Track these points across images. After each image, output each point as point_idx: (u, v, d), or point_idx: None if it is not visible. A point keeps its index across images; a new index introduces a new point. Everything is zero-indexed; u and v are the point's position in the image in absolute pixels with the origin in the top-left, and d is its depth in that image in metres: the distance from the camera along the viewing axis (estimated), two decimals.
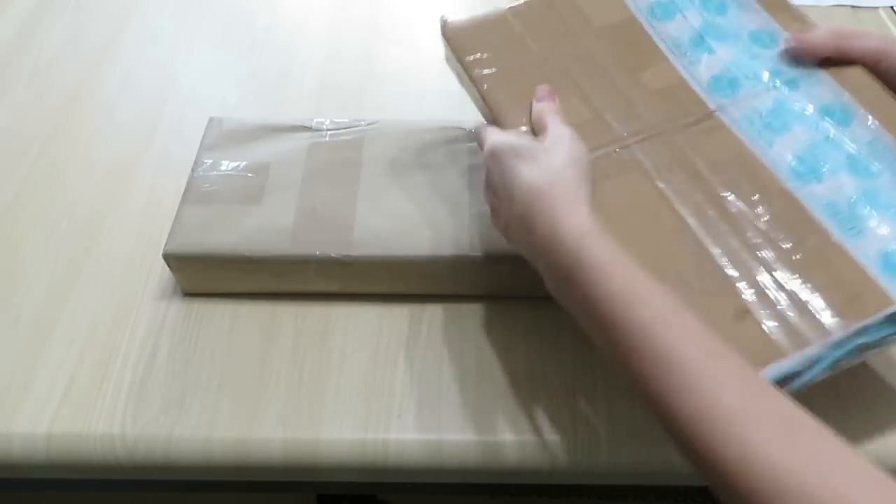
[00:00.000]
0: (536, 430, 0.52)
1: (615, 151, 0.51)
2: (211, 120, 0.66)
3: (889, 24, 0.88)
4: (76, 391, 0.54)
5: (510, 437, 0.52)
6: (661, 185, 0.49)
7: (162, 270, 0.59)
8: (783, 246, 0.46)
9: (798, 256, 0.45)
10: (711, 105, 0.52)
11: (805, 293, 0.44)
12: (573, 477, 0.53)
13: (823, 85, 0.52)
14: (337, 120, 0.65)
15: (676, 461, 0.52)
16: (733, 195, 0.48)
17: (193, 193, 0.60)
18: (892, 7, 0.91)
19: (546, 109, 0.51)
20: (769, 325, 0.43)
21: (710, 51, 0.55)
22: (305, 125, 0.65)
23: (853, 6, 0.91)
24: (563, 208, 0.44)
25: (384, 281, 0.58)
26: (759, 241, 0.46)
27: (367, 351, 0.56)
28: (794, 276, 0.44)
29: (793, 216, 0.47)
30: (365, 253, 0.56)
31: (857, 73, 0.52)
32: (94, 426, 0.52)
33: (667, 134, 0.51)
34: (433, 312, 0.58)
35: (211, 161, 0.62)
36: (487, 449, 0.52)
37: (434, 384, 0.55)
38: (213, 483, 0.55)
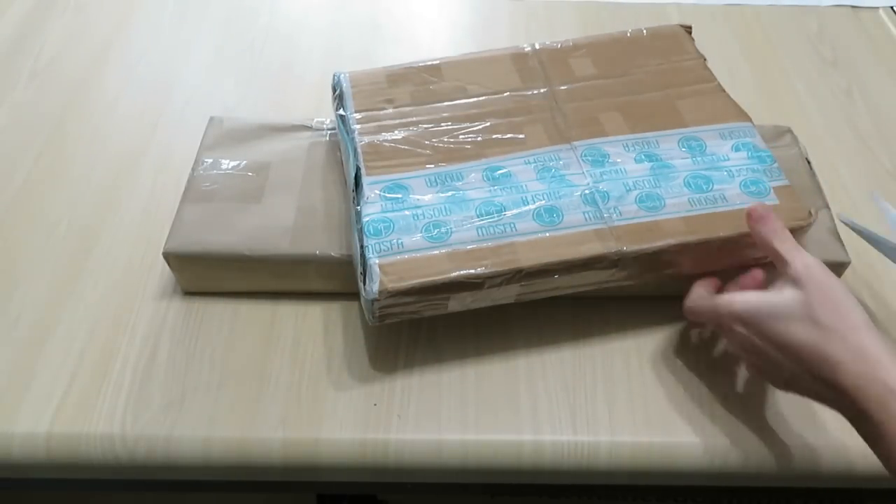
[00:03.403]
0: (536, 430, 0.52)
1: None
2: (211, 119, 0.66)
3: (889, 24, 0.89)
4: (76, 391, 0.54)
5: (510, 437, 0.52)
6: None
7: (162, 270, 0.59)
8: None
9: None
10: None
11: None
12: (573, 477, 0.53)
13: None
14: None
15: (676, 461, 0.52)
16: None
17: (194, 192, 0.60)
18: (892, 7, 0.91)
19: (781, 236, 0.50)
20: None
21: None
22: (305, 125, 0.65)
23: (853, 6, 0.91)
24: (860, 368, 0.43)
25: None
26: None
27: (367, 351, 0.56)
28: None
29: None
30: None
31: None
32: (94, 426, 0.52)
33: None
34: None
35: (211, 160, 0.62)
36: (487, 449, 0.52)
37: (434, 384, 0.55)
38: (213, 483, 0.55)
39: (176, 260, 0.57)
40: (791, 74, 0.81)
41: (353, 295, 0.59)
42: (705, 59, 0.66)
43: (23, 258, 0.62)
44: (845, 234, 0.58)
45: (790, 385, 0.48)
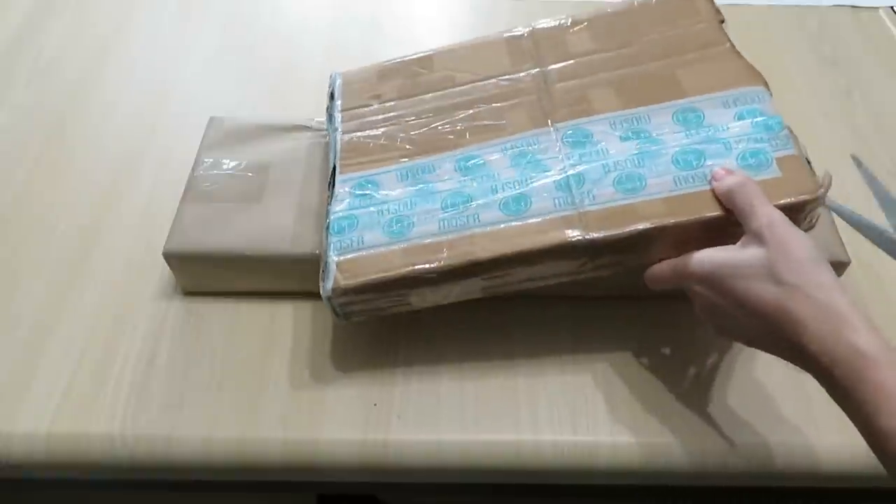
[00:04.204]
0: (536, 430, 0.52)
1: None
2: (211, 119, 0.66)
3: (889, 24, 0.89)
4: (76, 391, 0.54)
5: (510, 437, 0.52)
6: None
7: (162, 270, 0.59)
8: None
9: None
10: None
11: None
12: (573, 477, 0.53)
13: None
14: None
15: (676, 461, 0.52)
16: None
17: (194, 192, 0.60)
18: (891, 7, 0.91)
19: (744, 190, 0.47)
20: None
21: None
22: (306, 125, 0.65)
23: (853, 6, 0.91)
24: (824, 327, 0.40)
25: None
26: None
27: (366, 351, 0.56)
28: None
29: None
30: None
31: None
32: (94, 426, 0.52)
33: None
34: (432, 312, 0.58)
35: (211, 160, 0.62)
36: (487, 449, 0.52)
37: (434, 384, 0.55)
38: (213, 483, 0.55)
39: (176, 260, 0.57)
40: (791, 74, 0.81)
41: None
42: (722, 20, 0.61)
43: (23, 258, 0.62)
44: (845, 234, 0.58)
45: (754, 343, 0.46)
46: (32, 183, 0.68)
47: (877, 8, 0.91)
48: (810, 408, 0.53)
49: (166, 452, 0.51)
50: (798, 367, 0.43)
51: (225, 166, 0.61)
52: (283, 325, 0.58)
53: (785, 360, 0.44)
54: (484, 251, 0.50)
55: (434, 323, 0.57)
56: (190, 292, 0.59)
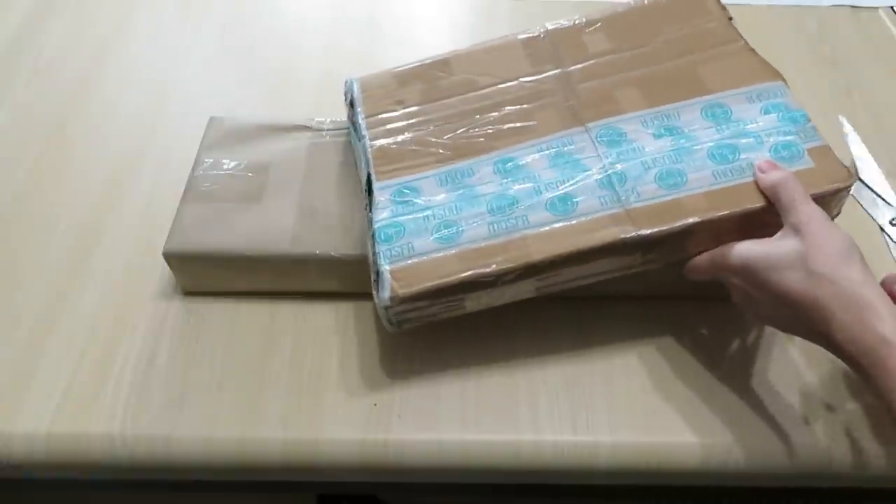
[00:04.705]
0: (536, 429, 0.52)
1: None
2: (211, 119, 0.66)
3: (889, 24, 0.89)
4: (76, 391, 0.54)
5: (510, 437, 0.52)
6: None
7: (162, 270, 0.59)
8: None
9: None
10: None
11: None
12: (573, 477, 0.53)
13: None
14: (337, 120, 0.65)
15: (676, 461, 0.52)
16: None
17: (194, 192, 0.60)
18: (891, 7, 0.91)
19: (788, 186, 0.48)
20: None
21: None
22: (305, 125, 0.65)
23: (853, 6, 0.91)
24: (851, 316, 0.42)
25: None
26: None
27: (366, 351, 0.56)
28: None
29: None
30: (365, 253, 0.56)
31: None
32: (94, 426, 0.52)
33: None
34: None
35: (211, 160, 0.62)
36: (487, 449, 0.52)
37: (434, 384, 0.55)
38: (213, 483, 0.55)
39: (176, 260, 0.57)
40: (791, 74, 0.81)
41: (353, 295, 0.59)
42: (731, 18, 0.63)
43: (23, 258, 0.62)
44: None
45: (790, 330, 0.48)
46: (32, 183, 0.68)
47: (877, 8, 0.91)
48: (810, 408, 0.53)
49: (166, 452, 0.51)
50: (831, 355, 0.45)
51: (225, 166, 0.61)
52: (283, 325, 0.58)
53: (819, 346, 0.45)
54: (539, 252, 0.50)
55: (434, 323, 0.57)
56: (190, 292, 0.59)
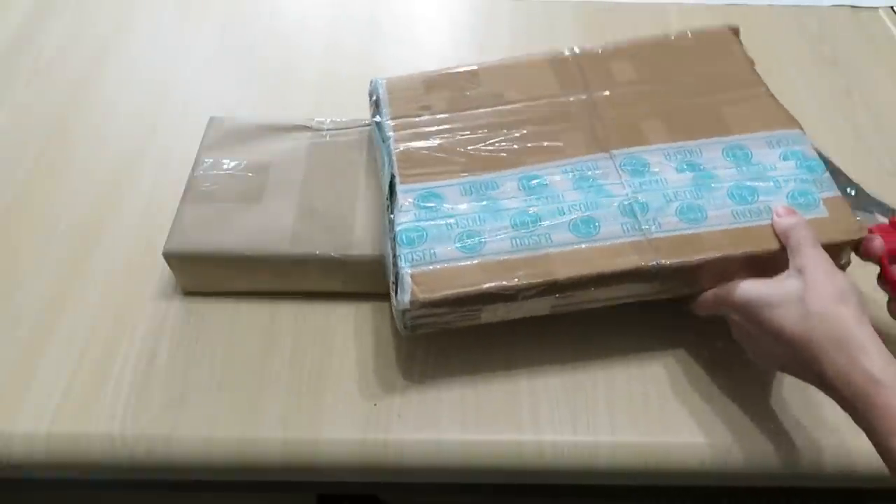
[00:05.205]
0: (536, 430, 0.52)
1: None
2: (211, 119, 0.66)
3: (889, 23, 0.89)
4: (76, 391, 0.54)
5: (510, 437, 0.52)
6: None
7: (162, 270, 0.59)
8: None
9: None
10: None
11: None
12: (573, 477, 0.53)
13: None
14: (337, 119, 0.65)
15: (676, 461, 0.52)
16: None
17: (194, 192, 0.60)
18: (891, 7, 0.91)
19: (799, 229, 0.50)
20: None
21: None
22: (306, 125, 0.65)
23: (853, 6, 0.91)
24: (842, 355, 0.43)
25: (384, 280, 0.58)
26: None
27: (367, 351, 0.56)
28: None
29: None
30: (365, 253, 0.56)
31: None
32: (94, 426, 0.52)
33: None
34: None
35: (211, 160, 0.62)
36: (487, 449, 0.52)
37: (434, 384, 0.55)
38: (213, 483, 0.55)
39: (176, 260, 0.57)
40: (791, 74, 0.81)
41: (353, 295, 0.59)
42: (753, 63, 0.64)
43: (23, 258, 0.62)
44: None
45: (786, 370, 0.49)
46: (32, 183, 0.68)
47: (877, 8, 0.91)
48: (810, 407, 0.53)
49: (166, 452, 0.51)
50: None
51: (225, 166, 0.61)
52: (283, 325, 0.58)
53: (814, 386, 0.46)
54: (563, 272, 0.51)
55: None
56: (190, 292, 0.59)
